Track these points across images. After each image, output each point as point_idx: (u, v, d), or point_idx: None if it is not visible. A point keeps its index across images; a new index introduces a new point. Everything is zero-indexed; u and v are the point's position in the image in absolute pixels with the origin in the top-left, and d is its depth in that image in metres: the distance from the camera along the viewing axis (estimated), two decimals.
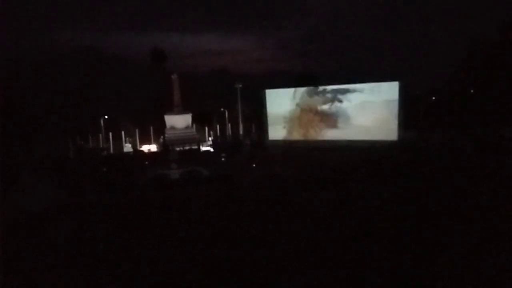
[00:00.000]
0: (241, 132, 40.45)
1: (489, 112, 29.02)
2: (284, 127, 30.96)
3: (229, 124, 43.91)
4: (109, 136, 41.20)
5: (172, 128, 38.16)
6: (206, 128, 43.28)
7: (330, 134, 28.76)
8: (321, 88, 29.38)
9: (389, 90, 26.87)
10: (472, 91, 35.07)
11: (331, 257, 6.21)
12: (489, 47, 34.66)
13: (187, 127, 38.57)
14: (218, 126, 44.11)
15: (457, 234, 6.88)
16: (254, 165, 21.50)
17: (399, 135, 26.33)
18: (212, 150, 34.94)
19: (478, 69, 34.07)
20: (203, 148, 35.96)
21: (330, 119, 28.99)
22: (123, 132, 42.46)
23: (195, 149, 33.73)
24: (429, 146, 24.37)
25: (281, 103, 31.21)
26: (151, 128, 43.07)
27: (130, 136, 45.03)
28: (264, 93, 31.75)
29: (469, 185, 11.07)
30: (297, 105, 30.27)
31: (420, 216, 8.10)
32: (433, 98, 39.10)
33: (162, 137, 40.99)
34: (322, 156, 23.22)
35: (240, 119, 40.61)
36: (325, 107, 29.03)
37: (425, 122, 31.93)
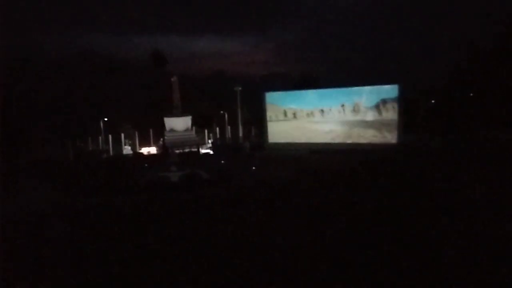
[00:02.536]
0: (240, 134, 40.46)
1: (488, 115, 29.07)
2: (283, 130, 30.86)
3: (229, 127, 43.92)
4: (108, 138, 41.18)
5: (172, 130, 38.19)
6: (206, 131, 43.29)
7: (331, 137, 28.71)
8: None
9: (389, 93, 26.86)
10: (471, 94, 35.16)
11: (330, 261, 6.19)
12: (488, 50, 34.76)
13: (186, 130, 38.60)
14: (217, 129, 44.14)
15: (455, 240, 6.87)
16: (254, 167, 21.46)
17: (399, 138, 26.32)
18: (211, 152, 34.92)
19: (477, 72, 34.16)
20: (203, 151, 35.95)
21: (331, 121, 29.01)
22: (122, 135, 42.45)
23: (195, 151, 33.70)
24: (428, 149, 24.35)
25: (281, 105, 31.17)
26: (151, 130, 43.09)
27: (130, 138, 45.04)
28: (264, 96, 31.73)
29: (468, 188, 11.05)
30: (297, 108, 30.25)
31: (419, 220, 8.08)
32: (433, 101, 39.20)
33: (161, 139, 41.00)
34: (322, 159, 23.20)
35: (239, 122, 40.62)
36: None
37: (425, 125, 31.93)
